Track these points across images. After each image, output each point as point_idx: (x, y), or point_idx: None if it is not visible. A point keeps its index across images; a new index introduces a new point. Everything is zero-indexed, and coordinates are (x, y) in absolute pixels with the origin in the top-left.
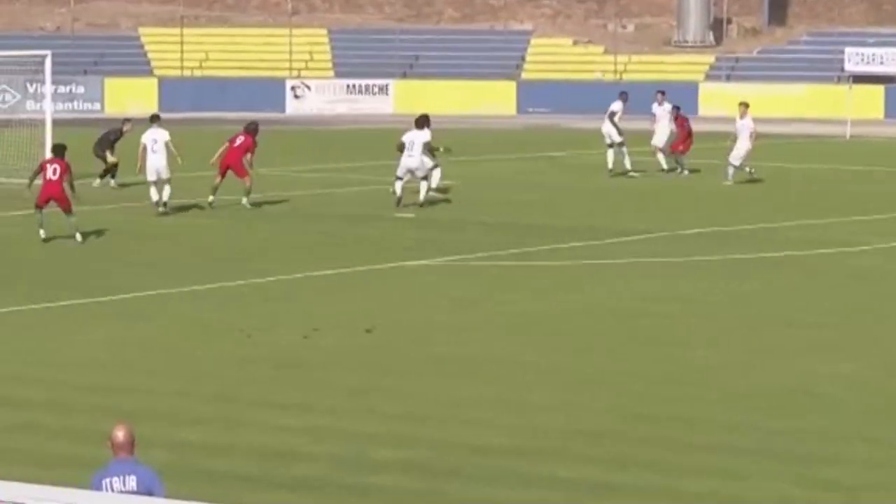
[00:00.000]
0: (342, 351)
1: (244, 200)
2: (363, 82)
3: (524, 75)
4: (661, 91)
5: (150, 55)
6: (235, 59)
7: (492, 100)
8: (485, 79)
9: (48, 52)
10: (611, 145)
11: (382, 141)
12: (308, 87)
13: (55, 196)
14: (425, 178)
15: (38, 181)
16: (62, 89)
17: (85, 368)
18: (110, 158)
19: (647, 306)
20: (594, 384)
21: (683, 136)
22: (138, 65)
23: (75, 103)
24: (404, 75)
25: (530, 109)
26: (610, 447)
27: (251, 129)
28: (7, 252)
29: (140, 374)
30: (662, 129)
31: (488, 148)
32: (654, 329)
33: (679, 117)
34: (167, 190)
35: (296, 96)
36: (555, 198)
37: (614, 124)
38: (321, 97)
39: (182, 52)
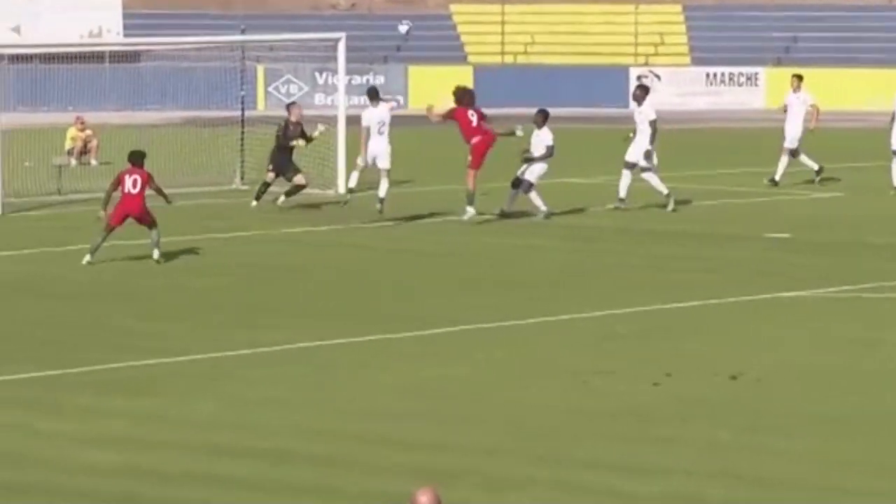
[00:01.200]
0: (700, 401)
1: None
2: (727, 70)
3: None
4: (798, 75)
5: (463, 38)
6: (567, 42)
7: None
8: (885, 66)
9: (342, 35)
10: None
11: (751, 143)
12: (658, 77)
13: (134, 213)
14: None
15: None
16: (357, 80)
17: (377, 419)
18: (297, 180)
19: None
20: None
21: None
22: (449, 50)
23: None
24: (778, 62)
25: None
26: None
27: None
28: (287, 275)
29: (447, 426)
30: (794, 124)
31: (883, 153)
32: None
33: None
34: (385, 184)
35: None
36: None
37: None
38: (674, 89)
39: (503, 34)
